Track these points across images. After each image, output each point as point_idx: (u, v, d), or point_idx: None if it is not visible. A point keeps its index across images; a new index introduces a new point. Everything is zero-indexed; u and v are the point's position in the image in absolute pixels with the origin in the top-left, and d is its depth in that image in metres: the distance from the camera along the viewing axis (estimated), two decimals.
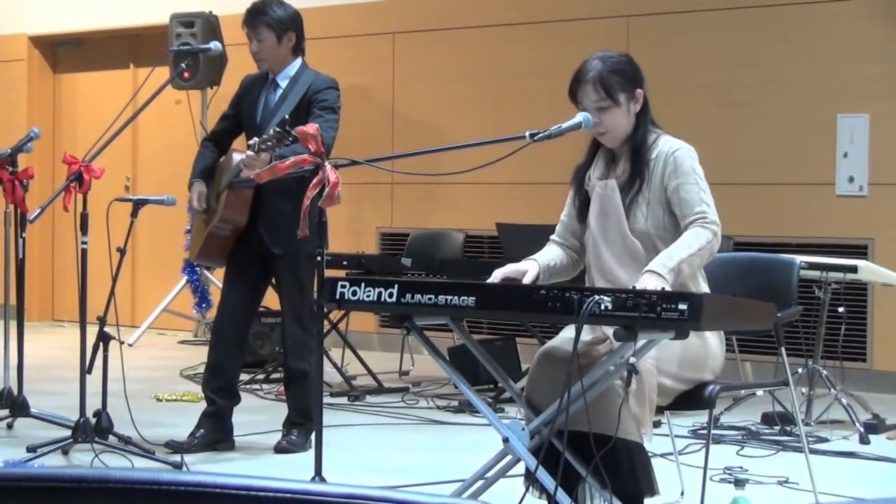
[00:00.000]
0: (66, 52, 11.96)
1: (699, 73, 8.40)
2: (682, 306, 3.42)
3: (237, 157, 5.62)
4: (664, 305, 3.44)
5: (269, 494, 1.21)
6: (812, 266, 6.32)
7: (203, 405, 5.89)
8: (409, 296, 3.84)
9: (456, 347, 7.26)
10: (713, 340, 4.08)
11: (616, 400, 3.68)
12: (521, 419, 4.09)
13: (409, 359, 8.42)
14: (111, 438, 5.41)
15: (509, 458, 3.90)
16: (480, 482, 4.02)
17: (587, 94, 4.04)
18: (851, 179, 7.91)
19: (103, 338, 5.32)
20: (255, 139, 5.13)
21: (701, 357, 4.04)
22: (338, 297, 3.97)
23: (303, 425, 5.74)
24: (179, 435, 5.74)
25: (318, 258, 4.49)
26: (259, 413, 6.65)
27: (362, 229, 9.85)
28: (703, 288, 4.07)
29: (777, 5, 8.18)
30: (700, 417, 6.20)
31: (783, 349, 4.69)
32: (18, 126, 10.55)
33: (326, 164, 4.40)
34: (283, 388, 6.34)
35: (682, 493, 4.82)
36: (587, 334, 3.89)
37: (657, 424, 4.93)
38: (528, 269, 4.07)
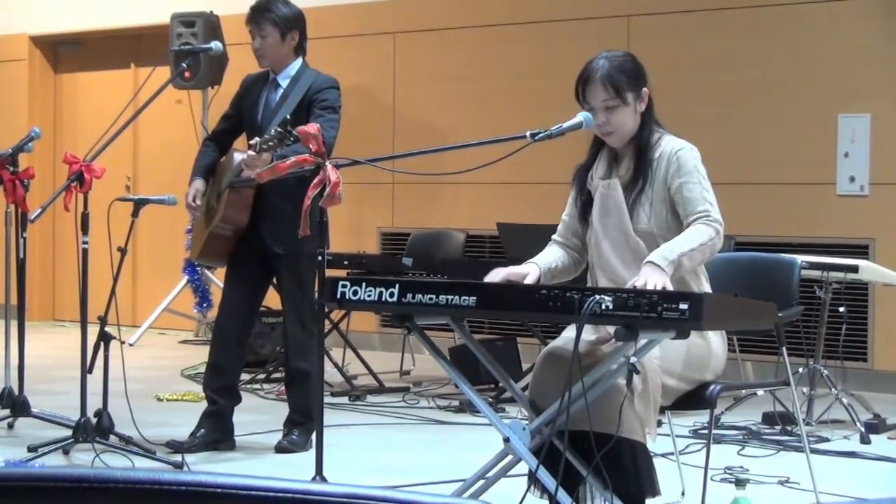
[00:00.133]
0: (67, 52, 11.96)
1: (699, 72, 8.40)
2: (683, 306, 3.42)
3: (238, 156, 5.62)
4: (665, 305, 3.44)
5: (270, 494, 1.21)
6: (813, 266, 6.32)
7: (204, 405, 5.89)
8: (409, 295, 3.84)
9: (457, 347, 7.26)
10: (716, 341, 4.09)
11: (619, 399, 3.68)
12: (521, 419, 4.09)
13: (409, 358, 8.41)
14: (112, 438, 5.41)
15: (510, 457, 3.90)
16: (481, 482, 4.02)
17: (596, 93, 4.03)
18: (852, 179, 7.91)
19: (104, 337, 5.32)
20: (257, 139, 5.13)
21: (704, 357, 4.04)
22: (339, 296, 3.97)
23: (304, 425, 5.74)
24: (180, 435, 5.74)
25: (319, 258, 4.49)
26: (260, 413, 6.65)
27: (363, 229, 9.85)
28: (706, 288, 4.07)
29: (777, 5, 8.18)
30: (701, 417, 6.20)
31: (784, 349, 4.69)
32: (19, 126, 10.56)
33: (327, 163, 4.40)
34: (283, 387, 6.34)
35: (683, 493, 4.82)
36: (591, 334, 3.89)
37: (658, 424, 4.93)
38: (528, 272, 4.06)
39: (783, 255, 5.38)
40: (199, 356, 8.09)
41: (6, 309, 6.69)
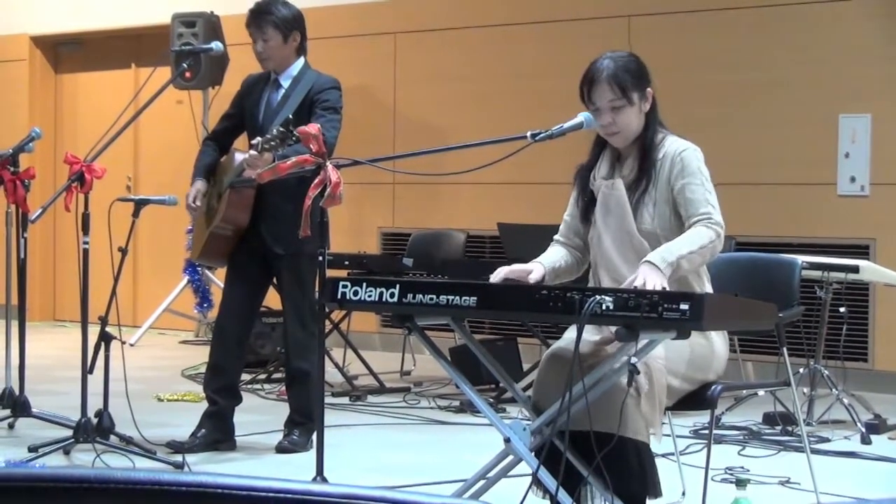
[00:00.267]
0: (67, 52, 11.96)
1: (700, 72, 8.40)
2: (684, 306, 3.42)
3: (239, 156, 5.62)
4: (666, 305, 3.44)
5: (271, 495, 1.21)
6: (814, 266, 6.32)
7: (204, 405, 5.89)
8: (410, 296, 3.84)
9: (457, 347, 7.26)
10: (718, 341, 4.09)
11: (623, 399, 3.68)
12: (522, 419, 4.09)
13: (410, 359, 8.41)
14: (112, 438, 5.41)
15: (511, 458, 3.90)
16: (482, 482, 4.02)
17: (602, 94, 4.03)
18: (853, 179, 7.91)
19: (105, 338, 5.32)
20: (259, 139, 5.13)
21: (707, 358, 4.04)
22: (339, 297, 3.97)
23: (304, 425, 5.74)
24: (181, 435, 5.74)
25: (320, 258, 4.49)
26: (260, 413, 6.65)
27: (364, 229, 9.86)
28: (708, 288, 4.07)
29: (778, 5, 8.18)
30: (701, 417, 6.20)
31: (785, 349, 4.69)
32: (20, 126, 10.56)
33: (328, 164, 4.40)
34: (284, 387, 6.34)
35: (684, 494, 4.82)
36: (595, 334, 3.90)
37: None
38: (533, 269, 4.07)
39: (784, 255, 5.38)
40: (200, 356, 8.09)
41: (7, 309, 6.70)
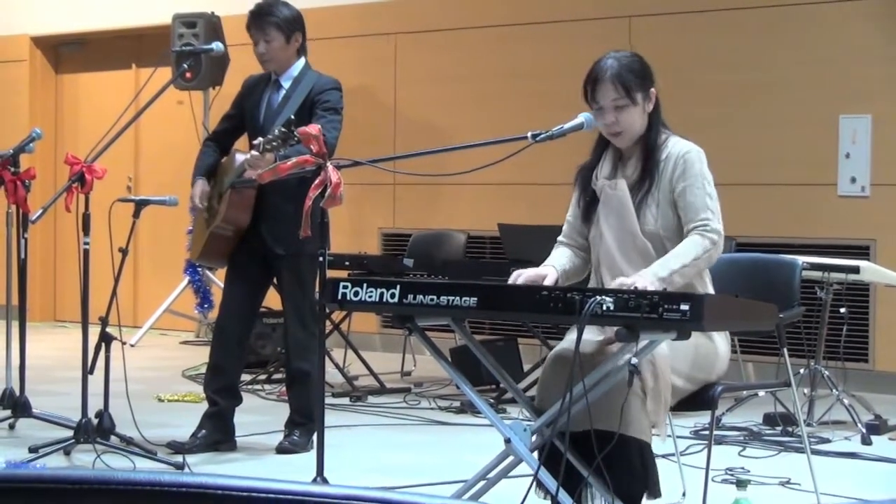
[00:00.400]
0: (68, 53, 11.96)
1: (700, 72, 8.40)
2: (684, 307, 3.42)
3: (240, 157, 5.62)
4: (666, 306, 3.44)
5: (271, 495, 1.21)
6: (814, 267, 6.32)
7: (205, 406, 5.89)
8: (410, 296, 3.84)
9: (458, 348, 7.26)
10: (721, 342, 4.09)
11: (624, 398, 3.67)
12: (522, 419, 4.09)
13: (410, 359, 8.41)
14: (113, 439, 5.41)
15: (511, 458, 3.90)
16: (482, 483, 4.02)
17: (606, 93, 4.02)
18: (853, 180, 7.91)
19: (105, 338, 5.32)
20: (261, 139, 5.13)
21: (711, 359, 4.04)
22: (340, 297, 3.97)
23: (304, 426, 5.74)
24: (181, 435, 5.74)
25: (320, 258, 4.49)
26: (261, 413, 6.65)
27: (364, 230, 9.85)
28: (710, 289, 4.07)
29: (779, 5, 8.18)
30: (702, 418, 6.19)
31: (785, 350, 4.69)
32: (20, 126, 10.56)
33: (329, 164, 4.40)
34: (284, 388, 6.34)
35: (684, 494, 4.82)
36: (598, 334, 3.90)
37: None
38: (547, 273, 4.06)
39: (784, 255, 5.38)
40: (200, 357, 8.09)
41: (7, 309, 6.70)
